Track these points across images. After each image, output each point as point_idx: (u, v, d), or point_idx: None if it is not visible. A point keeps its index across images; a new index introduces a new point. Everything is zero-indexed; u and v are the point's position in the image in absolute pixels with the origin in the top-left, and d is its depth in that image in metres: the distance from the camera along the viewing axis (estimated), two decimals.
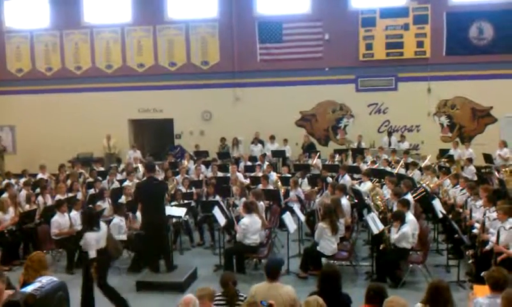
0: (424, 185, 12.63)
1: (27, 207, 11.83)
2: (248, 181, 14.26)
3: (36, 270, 5.71)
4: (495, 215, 9.04)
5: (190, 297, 5.42)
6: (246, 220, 9.66)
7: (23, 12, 21.74)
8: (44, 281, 5.16)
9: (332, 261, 9.12)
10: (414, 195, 11.62)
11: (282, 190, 13.30)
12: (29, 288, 4.99)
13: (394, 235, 9.10)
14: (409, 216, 9.53)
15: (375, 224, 9.36)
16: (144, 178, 10.57)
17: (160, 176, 13.72)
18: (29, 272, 5.73)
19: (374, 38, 19.26)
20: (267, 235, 10.45)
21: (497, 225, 8.56)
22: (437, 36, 18.83)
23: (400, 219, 9.21)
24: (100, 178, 14.91)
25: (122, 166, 17.42)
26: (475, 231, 9.52)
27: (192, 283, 9.28)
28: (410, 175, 13.91)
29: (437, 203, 10.65)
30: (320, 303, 5.13)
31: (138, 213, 10.75)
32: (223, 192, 13.35)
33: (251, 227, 9.61)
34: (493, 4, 18.43)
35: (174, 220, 11.01)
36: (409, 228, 9.13)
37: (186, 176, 14.90)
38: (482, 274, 6.63)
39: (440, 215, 10.23)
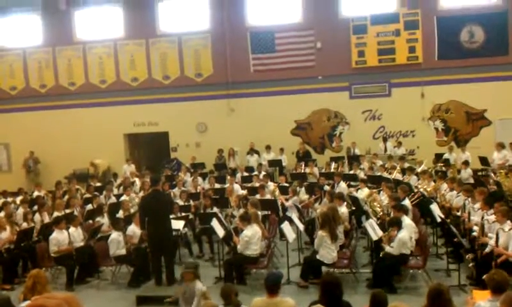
0: (421, 189, 12.65)
1: (24, 225, 11.76)
2: (245, 192, 14.24)
3: (43, 285, 5.71)
4: (493, 217, 9.04)
5: None
6: (248, 232, 9.60)
7: (15, 30, 21.76)
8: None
9: (332, 270, 9.10)
10: (412, 200, 11.64)
11: (280, 200, 13.28)
12: None
13: (392, 245, 9.06)
14: (406, 220, 9.53)
15: (374, 231, 9.37)
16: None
17: None
18: (37, 289, 5.69)
19: (366, 45, 19.37)
20: (266, 245, 10.42)
21: (496, 227, 8.58)
22: (428, 41, 18.94)
23: (396, 224, 9.23)
24: (97, 193, 14.87)
25: (118, 181, 17.36)
26: (474, 234, 9.52)
27: None
28: (407, 180, 13.93)
29: (435, 208, 10.64)
30: None
31: (135, 228, 10.68)
32: (221, 203, 13.33)
33: (253, 237, 9.56)
34: (482, 8, 18.65)
35: (173, 233, 10.95)
36: (407, 232, 9.12)
37: (183, 188, 14.86)
38: (483, 277, 6.63)
39: (439, 220, 10.23)
